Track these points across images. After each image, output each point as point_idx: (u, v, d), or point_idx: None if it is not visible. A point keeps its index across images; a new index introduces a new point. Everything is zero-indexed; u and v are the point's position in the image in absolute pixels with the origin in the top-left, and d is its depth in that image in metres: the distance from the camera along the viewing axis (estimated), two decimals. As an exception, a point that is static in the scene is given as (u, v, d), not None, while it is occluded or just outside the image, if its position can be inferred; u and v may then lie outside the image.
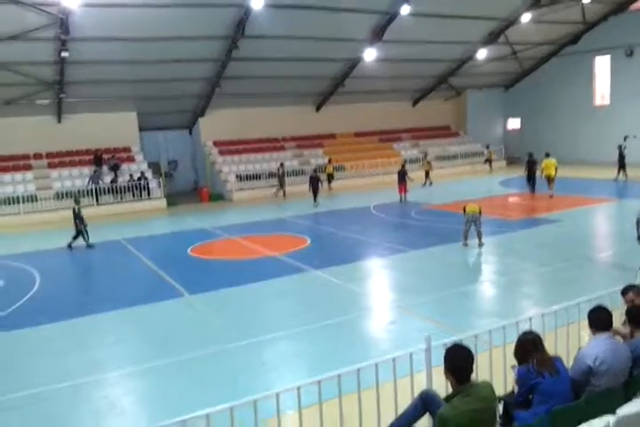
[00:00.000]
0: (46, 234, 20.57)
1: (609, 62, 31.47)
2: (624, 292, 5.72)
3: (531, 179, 22.90)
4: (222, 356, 8.42)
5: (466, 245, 14.43)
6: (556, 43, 32.22)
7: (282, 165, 27.81)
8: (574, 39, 32.16)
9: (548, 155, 22.38)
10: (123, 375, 8.05)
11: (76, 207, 17.18)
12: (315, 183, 23.92)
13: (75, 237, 17.19)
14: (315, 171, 25.58)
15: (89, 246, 17.22)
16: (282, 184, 27.05)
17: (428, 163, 28.26)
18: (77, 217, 17.07)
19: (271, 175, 28.35)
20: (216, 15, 21.57)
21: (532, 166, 22.93)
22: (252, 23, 22.19)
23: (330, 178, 28.33)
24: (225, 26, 22.47)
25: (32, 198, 23.94)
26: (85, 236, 17.18)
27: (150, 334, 9.69)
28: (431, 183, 27.35)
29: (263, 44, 23.97)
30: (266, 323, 9.75)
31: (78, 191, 23.73)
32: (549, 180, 21.73)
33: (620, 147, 25.14)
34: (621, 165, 24.87)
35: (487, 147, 33.72)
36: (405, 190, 23.19)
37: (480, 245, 14.33)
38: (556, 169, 21.76)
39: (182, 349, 8.72)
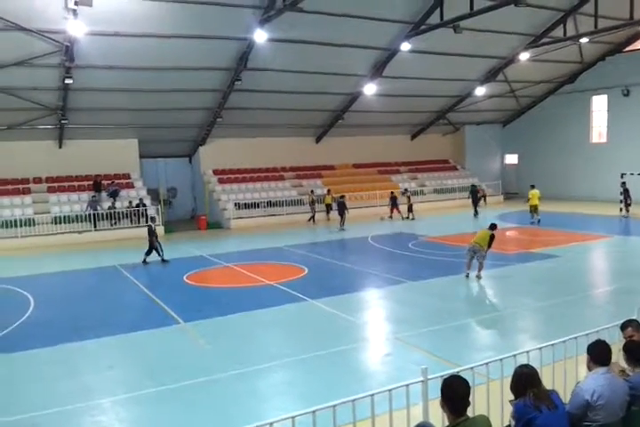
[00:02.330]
0: (43, 258, 20.52)
1: (606, 101, 31.89)
2: (623, 327, 5.67)
3: (474, 204, 27.65)
4: (216, 384, 8.31)
5: (467, 275, 14.44)
6: (553, 81, 32.77)
7: (312, 192, 28.84)
8: (572, 78, 32.71)
9: (533, 186, 25.08)
10: (114, 402, 7.92)
11: (152, 225, 18.88)
12: (341, 209, 25.33)
13: (148, 253, 18.37)
14: (342, 197, 26.35)
15: (164, 261, 18.43)
16: (313, 211, 27.76)
17: (408, 197, 28.49)
18: (152, 234, 18.41)
19: (269, 204, 28.80)
20: (220, 47, 21.95)
21: (475, 194, 27.76)
22: (255, 56, 22.59)
23: (328, 208, 28.40)
24: (228, 58, 22.85)
25: (30, 222, 23.95)
26: (160, 252, 18.46)
27: (143, 362, 9.58)
28: (413, 218, 27.67)
29: (265, 76, 24.34)
30: (261, 352, 9.66)
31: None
32: (534, 208, 24.20)
33: (624, 184, 25.17)
34: (627, 201, 25.19)
35: (472, 188, 29.89)
36: (392, 211, 27.71)
37: (478, 277, 14.31)
38: (539, 199, 24.39)
39: (175, 377, 8.61)
